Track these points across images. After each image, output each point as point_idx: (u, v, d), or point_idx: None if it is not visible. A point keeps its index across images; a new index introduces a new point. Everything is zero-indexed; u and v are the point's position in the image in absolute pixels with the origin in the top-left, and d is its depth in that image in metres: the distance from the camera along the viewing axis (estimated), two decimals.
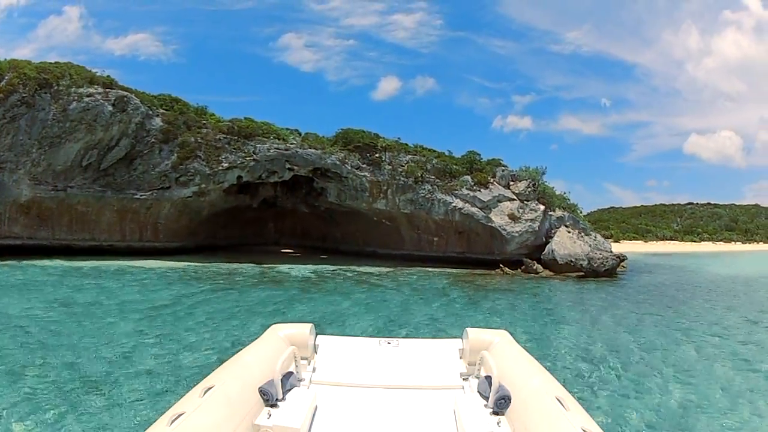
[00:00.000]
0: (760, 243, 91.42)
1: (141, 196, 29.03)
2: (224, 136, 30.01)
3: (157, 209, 30.05)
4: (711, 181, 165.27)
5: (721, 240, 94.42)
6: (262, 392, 2.64)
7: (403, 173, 29.66)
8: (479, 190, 29.71)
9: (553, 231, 31.30)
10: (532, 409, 2.43)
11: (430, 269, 27.94)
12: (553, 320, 14.57)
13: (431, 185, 29.60)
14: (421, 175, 29.64)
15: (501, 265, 28.23)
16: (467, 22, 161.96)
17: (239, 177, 29.13)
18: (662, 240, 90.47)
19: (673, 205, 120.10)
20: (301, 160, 29.09)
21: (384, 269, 27.08)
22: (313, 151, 29.24)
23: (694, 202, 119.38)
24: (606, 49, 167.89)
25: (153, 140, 29.42)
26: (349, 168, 29.28)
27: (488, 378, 2.86)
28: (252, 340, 3.39)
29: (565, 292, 21.52)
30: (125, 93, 28.55)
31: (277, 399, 2.65)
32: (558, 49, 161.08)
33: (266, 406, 2.62)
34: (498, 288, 21.73)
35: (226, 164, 28.85)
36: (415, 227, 31.39)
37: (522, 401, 2.53)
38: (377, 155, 30.02)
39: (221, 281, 20.72)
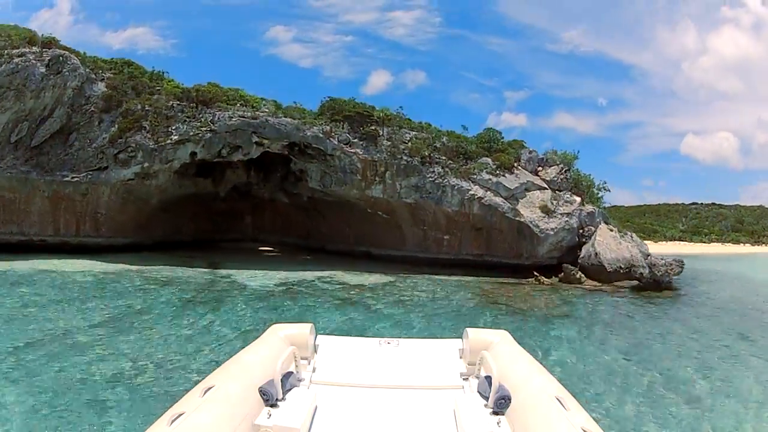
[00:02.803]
0: None
1: (73, 178, 23.30)
2: (178, 103, 23.65)
3: (95, 196, 24.45)
4: (707, 183, 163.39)
5: (729, 241, 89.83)
6: (262, 392, 2.55)
7: (405, 151, 22.99)
8: (503, 176, 23.23)
9: (586, 229, 25.10)
10: (532, 409, 2.35)
11: (440, 277, 21.25)
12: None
13: (442, 167, 22.96)
14: (429, 155, 23.00)
15: (535, 273, 21.68)
16: (465, 20, 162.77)
17: (193, 154, 22.47)
18: (670, 240, 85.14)
19: (677, 204, 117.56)
20: (272, 132, 22.20)
21: (380, 278, 20.29)
22: (288, 120, 22.45)
23: (699, 202, 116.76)
24: (603, 49, 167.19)
25: (93, 109, 24.36)
26: (336, 143, 22.46)
27: (488, 378, 2.77)
28: (250, 342, 3.19)
29: (648, 319, 14.84)
30: (62, 52, 23.80)
31: (277, 399, 2.57)
32: (555, 48, 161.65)
33: (266, 406, 2.53)
34: (556, 314, 15.16)
35: (176, 136, 22.30)
36: (421, 222, 24.62)
37: (522, 401, 2.45)
38: (373, 128, 23.30)
39: (138, 298, 14.25)
